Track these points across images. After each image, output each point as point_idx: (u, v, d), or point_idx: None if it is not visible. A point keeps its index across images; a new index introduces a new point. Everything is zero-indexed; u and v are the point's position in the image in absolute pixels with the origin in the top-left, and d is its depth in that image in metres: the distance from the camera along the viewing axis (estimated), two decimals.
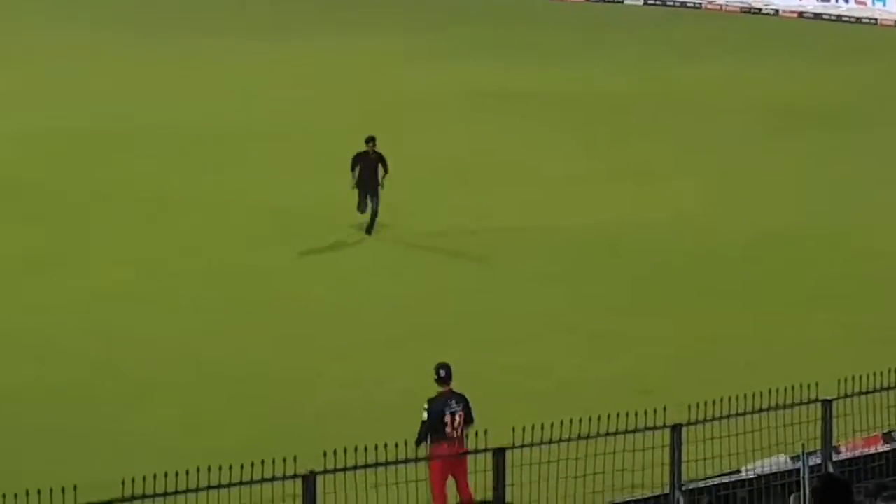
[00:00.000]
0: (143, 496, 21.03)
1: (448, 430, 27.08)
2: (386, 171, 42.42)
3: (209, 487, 21.55)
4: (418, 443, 26.46)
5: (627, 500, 23.89)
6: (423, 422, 26.96)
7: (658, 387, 31.39)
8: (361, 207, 42.18)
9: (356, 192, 42.35)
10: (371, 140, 42.13)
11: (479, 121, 59.09)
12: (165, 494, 21.08)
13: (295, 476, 21.75)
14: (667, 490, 23.56)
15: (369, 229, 42.27)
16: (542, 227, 44.07)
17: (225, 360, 34.72)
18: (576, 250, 41.82)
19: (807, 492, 21.73)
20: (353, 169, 42.51)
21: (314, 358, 34.77)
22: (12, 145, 54.64)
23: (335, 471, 21.91)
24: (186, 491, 21.30)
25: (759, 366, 32.43)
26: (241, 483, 21.64)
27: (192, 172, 51.48)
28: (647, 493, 24.02)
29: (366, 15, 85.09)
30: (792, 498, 22.39)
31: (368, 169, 41.88)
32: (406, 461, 22.58)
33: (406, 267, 41.81)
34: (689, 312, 37.19)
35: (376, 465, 22.05)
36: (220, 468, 21.26)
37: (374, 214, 42.15)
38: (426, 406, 27.08)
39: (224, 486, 21.77)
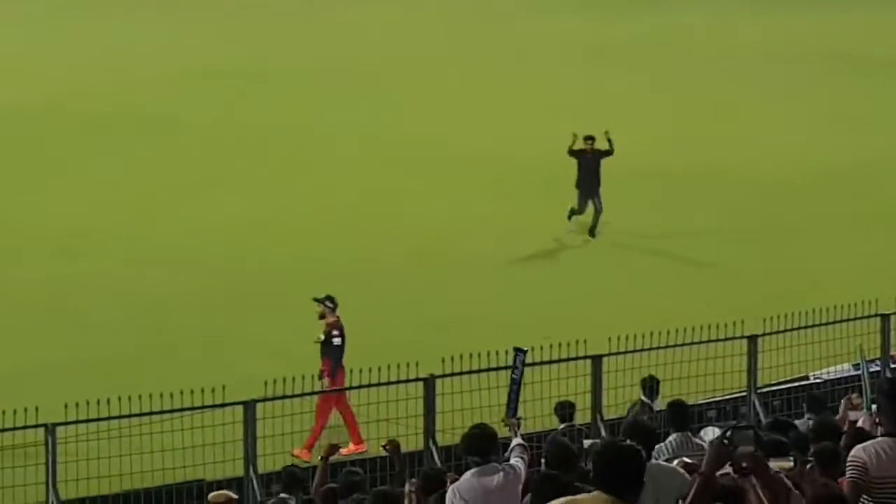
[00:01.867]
0: None
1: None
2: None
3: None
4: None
5: (709, 400, 24.63)
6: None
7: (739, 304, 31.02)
8: (581, 208, 37.78)
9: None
10: (590, 139, 37.68)
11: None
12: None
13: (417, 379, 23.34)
14: (744, 393, 24.81)
15: (592, 231, 37.74)
16: None
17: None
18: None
19: (868, 394, 22.01)
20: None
21: None
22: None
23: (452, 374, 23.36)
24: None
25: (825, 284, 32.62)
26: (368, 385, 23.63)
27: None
28: (727, 395, 24.92)
29: None
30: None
31: (588, 169, 37.52)
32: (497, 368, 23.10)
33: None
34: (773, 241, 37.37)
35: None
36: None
37: (598, 213, 37.63)
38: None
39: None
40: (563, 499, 10.17)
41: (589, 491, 10.20)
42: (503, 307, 31.81)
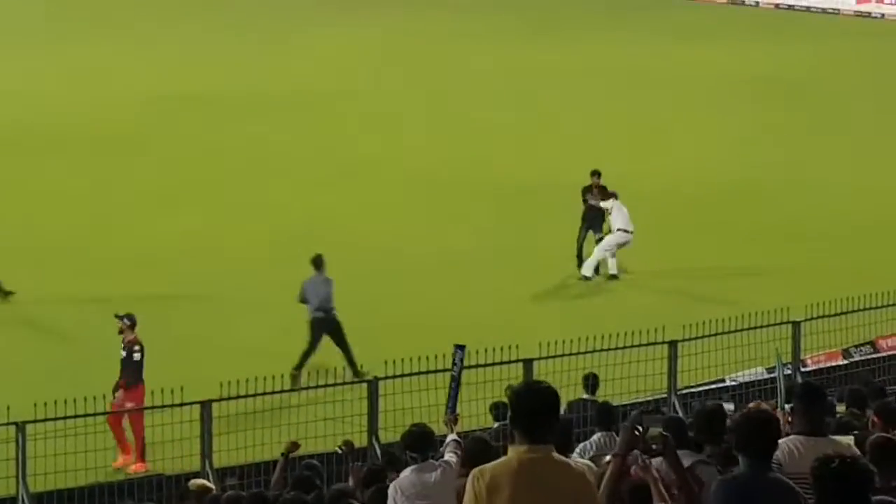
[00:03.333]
0: None
1: None
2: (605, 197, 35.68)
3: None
4: None
5: (633, 401, 24.56)
6: None
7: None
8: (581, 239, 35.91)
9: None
10: (596, 173, 36.17)
11: None
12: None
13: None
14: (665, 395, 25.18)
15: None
16: None
17: None
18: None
19: (782, 395, 22.05)
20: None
21: None
22: None
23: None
24: None
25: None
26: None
27: None
28: (648, 397, 25.13)
29: None
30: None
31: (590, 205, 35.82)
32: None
33: None
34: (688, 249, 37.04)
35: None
36: None
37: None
38: None
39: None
40: (477, 469, 10.44)
41: None
42: (449, 312, 31.73)
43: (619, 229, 34.98)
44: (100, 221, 39.72)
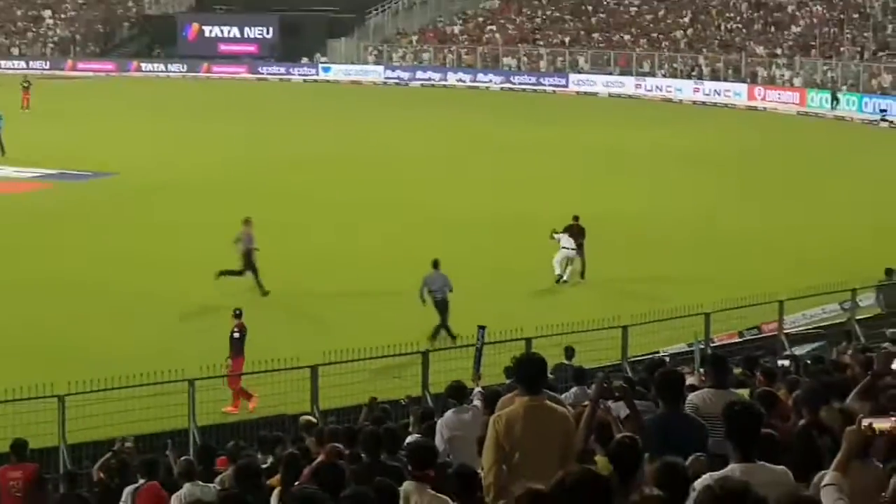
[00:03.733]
0: None
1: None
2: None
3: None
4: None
5: (597, 366, 23.44)
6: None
7: None
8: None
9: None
10: (576, 217, 35.07)
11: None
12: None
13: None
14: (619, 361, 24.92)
15: (582, 274, 34.86)
16: None
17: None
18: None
19: (698, 362, 22.35)
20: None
21: None
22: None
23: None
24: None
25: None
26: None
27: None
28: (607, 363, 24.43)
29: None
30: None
31: (574, 236, 34.58)
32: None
33: None
34: None
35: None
36: None
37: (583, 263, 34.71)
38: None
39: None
40: (495, 414, 10.67)
41: None
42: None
43: (563, 247, 34.70)
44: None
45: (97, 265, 35.91)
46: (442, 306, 29.85)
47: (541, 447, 10.23)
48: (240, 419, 22.78)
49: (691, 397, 12.22)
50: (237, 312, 26.04)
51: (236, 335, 25.63)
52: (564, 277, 34.83)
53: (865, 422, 7.90)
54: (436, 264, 30.43)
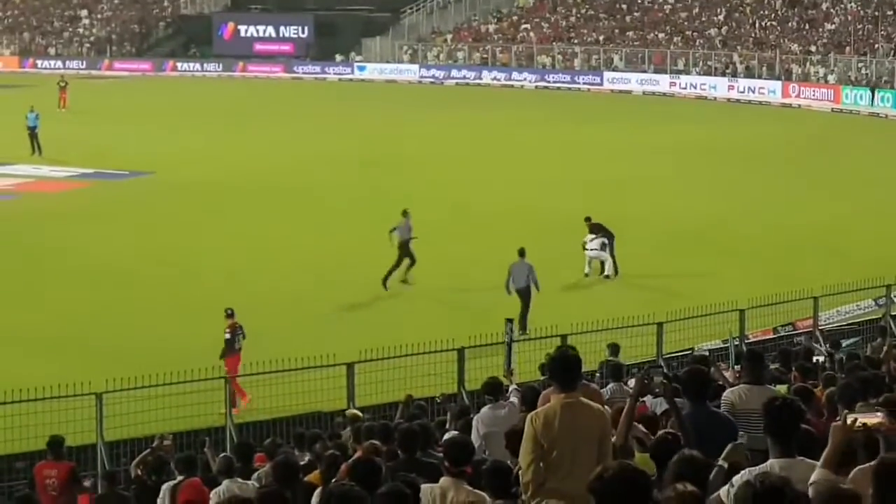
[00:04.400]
0: None
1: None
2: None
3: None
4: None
5: (634, 362, 23.60)
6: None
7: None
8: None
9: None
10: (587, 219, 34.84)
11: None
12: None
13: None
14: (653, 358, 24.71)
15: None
16: None
17: None
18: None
19: (733, 358, 23.08)
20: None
21: None
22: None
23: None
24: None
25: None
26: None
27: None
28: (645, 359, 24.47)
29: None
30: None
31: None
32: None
33: None
34: None
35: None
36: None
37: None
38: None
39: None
40: (533, 412, 10.59)
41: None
42: None
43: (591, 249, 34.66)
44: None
45: (134, 261, 36.29)
46: (523, 295, 29.98)
47: (578, 444, 10.18)
48: (277, 416, 22.69)
49: (726, 394, 12.23)
50: (229, 312, 25.92)
51: (228, 335, 25.56)
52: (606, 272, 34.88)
53: (851, 417, 7.85)
54: (522, 253, 30.61)
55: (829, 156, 57.02)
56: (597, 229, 34.78)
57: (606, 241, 34.76)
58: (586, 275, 34.70)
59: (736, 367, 21.36)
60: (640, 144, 59.38)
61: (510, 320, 22.88)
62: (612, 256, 34.75)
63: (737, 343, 25.14)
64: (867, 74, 79.31)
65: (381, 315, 30.96)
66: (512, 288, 30.27)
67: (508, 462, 11.19)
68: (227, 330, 25.64)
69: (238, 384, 24.65)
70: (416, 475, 10.22)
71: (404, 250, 33.31)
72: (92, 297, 32.45)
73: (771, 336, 27.74)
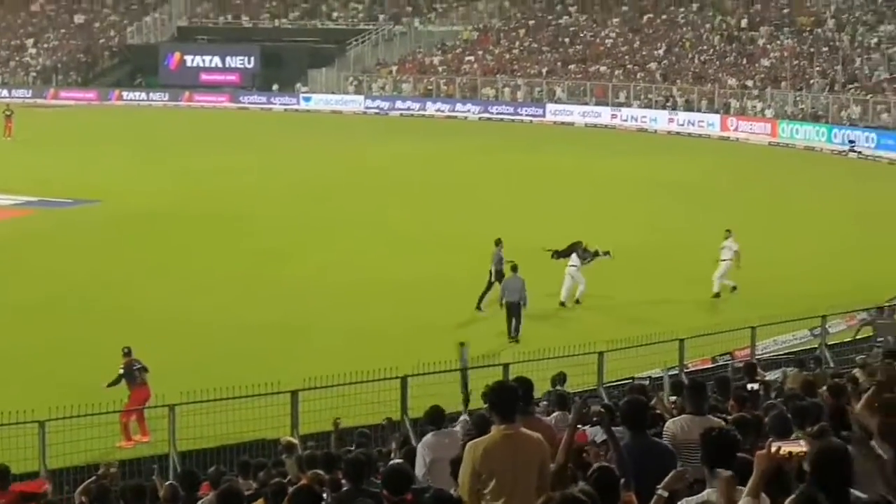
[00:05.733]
0: None
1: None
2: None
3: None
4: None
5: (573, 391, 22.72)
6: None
7: None
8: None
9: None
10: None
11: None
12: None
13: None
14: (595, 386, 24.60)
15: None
16: None
17: None
18: None
19: (668, 389, 22.71)
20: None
21: None
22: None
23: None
24: None
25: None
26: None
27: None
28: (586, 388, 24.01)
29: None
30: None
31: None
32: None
33: None
34: None
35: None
36: None
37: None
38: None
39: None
40: (471, 442, 10.65)
41: None
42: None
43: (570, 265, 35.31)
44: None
45: (77, 288, 36.18)
46: (512, 309, 31.25)
47: (517, 473, 10.28)
48: (221, 444, 22.53)
49: (668, 424, 12.23)
50: (125, 351, 25.64)
51: (121, 371, 25.30)
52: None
53: (775, 446, 7.91)
54: (514, 268, 31.75)
55: (767, 188, 57.21)
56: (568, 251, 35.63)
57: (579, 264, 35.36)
58: (562, 303, 35.17)
59: (671, 397, 21.35)
60: (580, 174, 59.72)
61: (463, 344, 22.73)
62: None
63: (671, 374, 24.90)
64: (803, 109, 79.97)
65: (329, 341, 30.89)
66: (504, 301, 31.51)
67: (452, 490, 11.17)
68: (121, 367, 25.34)
69: (142, 419, 24.60)
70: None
71: (498, 277, 33.92)
72: (32, 327, 32.32)
73: (709, 365, 27.79)
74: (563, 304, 35.12)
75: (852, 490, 8.09)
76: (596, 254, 36.19)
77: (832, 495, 7.80)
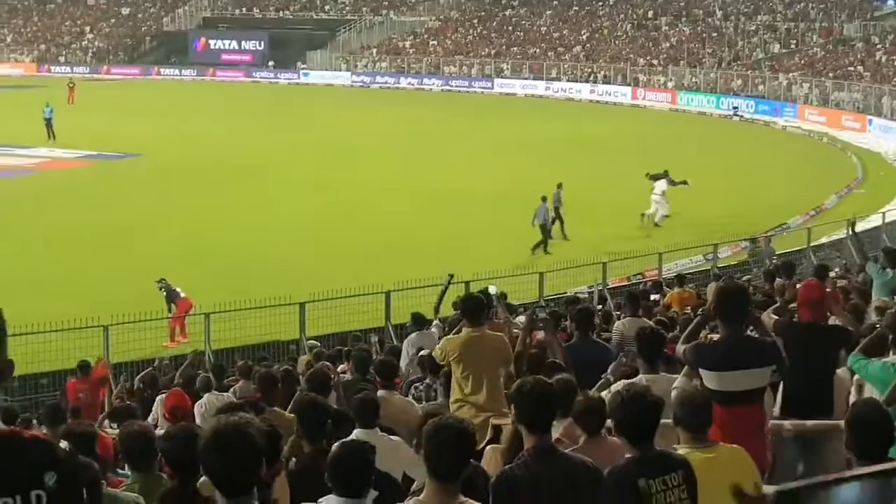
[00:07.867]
0: None
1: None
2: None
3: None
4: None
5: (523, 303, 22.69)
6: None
7: None
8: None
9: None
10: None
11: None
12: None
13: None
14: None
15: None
16: None
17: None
18: None
19: (595, 302, 22.95)
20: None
21: None
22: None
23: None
24: None
25: None
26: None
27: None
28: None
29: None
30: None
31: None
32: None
33: None
34: None
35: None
36: None
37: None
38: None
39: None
40: (445, 338, 10.71)
41: None
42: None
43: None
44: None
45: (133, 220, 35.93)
46: (542, 230, 31.63)
47: (483, 365, 10.22)
48: (242, 344, 22.38)
49: (616, 325, 12.63)
50: (160, 282, 25.43)
51: (164, 294, 25.19)
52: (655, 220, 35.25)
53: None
54: (544, 199, 31.96)
55: (673, 144, 56.68)
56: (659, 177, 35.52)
57: (665, 189, 34.89)
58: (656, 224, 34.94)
59: (598, 306, 21.29)
60: (518, 134, 59.03)
61: (451, 275, 22.23)
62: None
63: (600, 288, 24.97)
64: (696, 82, 79.95)
65: (332, 261, 30.55)
66: (536, 223, 31.78)
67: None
68: (163, 292, 25.20)
69: (183, 325, 24.48)
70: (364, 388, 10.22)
71: (556, 216, 33.31)
72: (95, 250, 32.10)
73: (626, 283, 27.44)
74: (657, 224, 34.84)
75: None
76: (678, 182, 35.73)
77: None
